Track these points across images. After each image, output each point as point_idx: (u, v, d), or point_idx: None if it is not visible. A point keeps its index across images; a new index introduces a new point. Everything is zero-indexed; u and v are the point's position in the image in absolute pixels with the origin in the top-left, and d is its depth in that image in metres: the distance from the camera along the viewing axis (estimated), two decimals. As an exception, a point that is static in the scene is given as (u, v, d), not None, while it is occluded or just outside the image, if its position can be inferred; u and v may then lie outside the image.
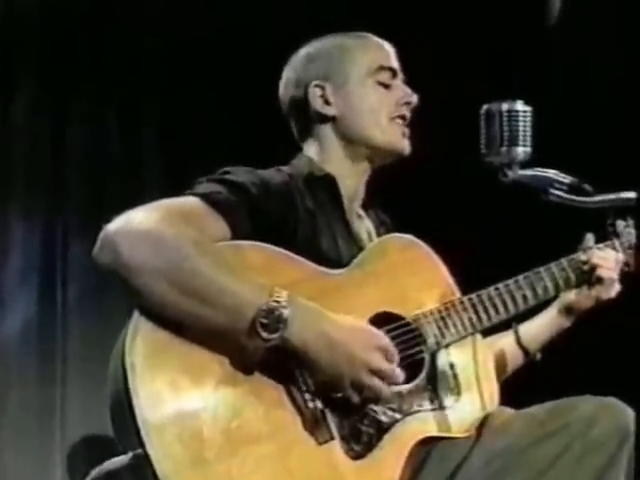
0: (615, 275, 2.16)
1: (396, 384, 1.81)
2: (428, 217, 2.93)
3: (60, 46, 3.22)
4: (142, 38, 3.33)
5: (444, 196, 3.27)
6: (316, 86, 2.09)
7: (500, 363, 2.21)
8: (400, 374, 1.80)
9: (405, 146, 2.11)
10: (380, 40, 2.16)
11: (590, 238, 2.20)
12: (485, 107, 2.02)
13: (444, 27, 3.32)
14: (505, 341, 2.23)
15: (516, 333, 2.23)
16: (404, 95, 2.11)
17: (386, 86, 2.10)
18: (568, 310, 2.21)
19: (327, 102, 2.09)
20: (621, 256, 2.18)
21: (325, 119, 2.10)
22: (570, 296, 2.19)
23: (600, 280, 2.15)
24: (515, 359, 2.24)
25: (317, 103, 2.09)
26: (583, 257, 2.15)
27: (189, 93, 3.35)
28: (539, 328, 2.23)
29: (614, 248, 2.19)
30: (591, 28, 3.23)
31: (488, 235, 3.18)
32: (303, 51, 2.16)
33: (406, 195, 2.94)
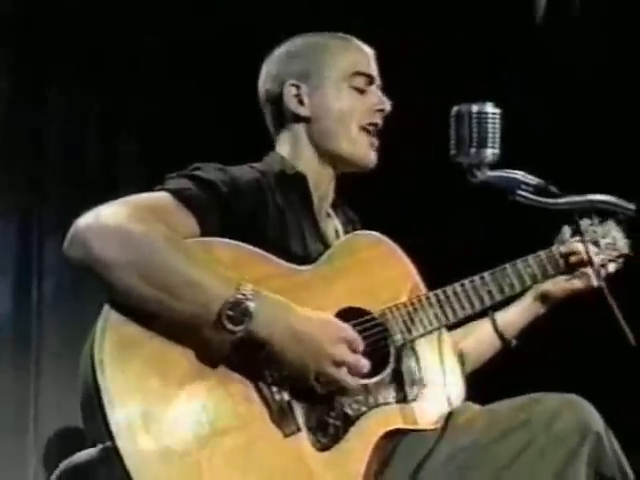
0: (590, 268, 2.20)
1: (361, 375, 1.83)
2: (405, 216, 2.97)
3: (39, 44, 3.23)
4: (126, 38, 3.34)
5: (419, 194, 3.29)
6: (292, 85, 2.10)
7: (478, 349, 2.27)
8: (365, 364, 1.82)
9: (371, 160, 2.12)
10: (360, 44, 2.16)
11: (567, 231, 2.25)
12: (455, 108, 2.03)
13: (424, 27, 3.34)
14: (482, 328, 2.27)
15: (493, 320, 2.26)
16: (378, 102, 2.11)
17: (361, 91, 2.11)
18: (543, 298, 2.26)
19: (301, 102, 2.10)
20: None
21: (298, 119, 2.11)
22: (545, 285, 2.24)
23: (575, 271, 2.21)
24: (492, 345, 2.28)
25: (291, 102, 2.10)
26: (561, 249, 2.20)
27: (169, 94, 3.37)
28: (515, 315, 2.27)
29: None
30: (572, 29, 3.27)
31: (463, 232, 3.21)
32: (284, 46, 2.17)
33: (383, 194, 2.96)
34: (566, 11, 3.26)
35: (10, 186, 3.20)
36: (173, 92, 3.37)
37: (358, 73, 2.11)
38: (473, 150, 2.00)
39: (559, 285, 2.24)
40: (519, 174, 2.03)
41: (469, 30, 3.34)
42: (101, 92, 3.31)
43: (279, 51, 2.17)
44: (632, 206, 2.00)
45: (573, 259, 2.20)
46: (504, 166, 2.03)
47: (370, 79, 2.13)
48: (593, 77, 3.21)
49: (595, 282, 2.20)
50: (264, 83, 2.17)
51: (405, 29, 3.11)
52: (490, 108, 2.02)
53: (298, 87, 2.10)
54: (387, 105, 2.12)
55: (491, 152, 2.01)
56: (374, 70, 2.15)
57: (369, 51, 2.16)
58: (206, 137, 3.32)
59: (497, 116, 2.02)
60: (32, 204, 3.24)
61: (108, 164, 3.35)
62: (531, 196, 2.00)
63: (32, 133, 3.24)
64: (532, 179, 2.02)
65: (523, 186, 2.00)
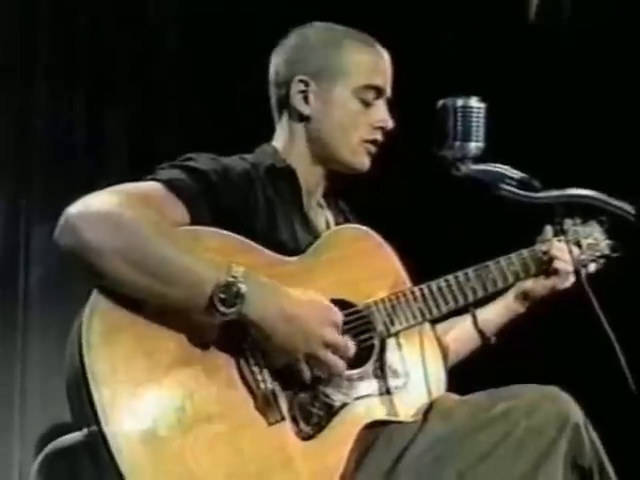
0: (570, 267, 2.22)
1: (348, 360, 1.85)
2: (396, 210, 2.99)
3: (25, 29, 3.22)
4: (109, 22, 3.34)
5: (411, 189, 3.31)
6: (300, 80, 2.09)
7: (458, 345, 2.28)
8: (352, 347, 1.85)
9: (365, 165, 2.12)
10: (381, 50, 2.13)
11: (549, 230, 2.26)
12: (440, 102, 2.05)
13: (419, 26, 3.35)
14: (463, 324, 2.29)
15: (473, 317, 2.27)
16: (381, 120, 2.10)
17: (367, 104, 2.10)
18: (524, 296, 2.27)
19: (306, 99, 2.09)
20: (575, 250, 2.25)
21: (299, 115, 2.10)
22: (526, 283, 2.25)
23: (556, 271, 2.23)
24: (472, 342, 2.30)
25: (296, 97, 2.09)
26: (542, 248, 2.22)
27: (157, 79, 3.37)
28: (496, 312, 2.29)
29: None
30: (563, 27, 3.29)
31: (451, 228, 3.23)
32: (305, 33, 2.14)
33: (376, 187, 2.97)
34: (558, 10, 3.28)
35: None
36: (165, 85, 3.37)
37: (369, 86, 2.10)
38: (457, 144, 2.03)
39: (540, 284, 2.25)
40: (503, 168, 2.05)
41: (462, 29, 3.36)
42: (89, 81, 3.31)
43: (300, 37, 2.13)
44: (613, 200, 2.02)
45: (554, 258, 2.22)
46: (488, 160, 2.06)
47: (379, 92, 2.11)
48: (584, 74, 3.22)
49: (574, 280, 2.22)
50: (277, 65, 2.13)
51: (399, 29, 3.11)
52: (475, 102, 2.04)
53: (307, 84, 2.08)
54: (389, 123, 2.11)
55: (475, 146, 2.03)
56: (387, 80, 2.13)
57: (387, 58, 2.13)
58: (196, 127, 3.33)
59: (482, 110, 2.04)
60: (19, 193, 3.24)
61: (96, 154, 3.35)
62: (515, 190, 2.02)
63: (18, 122, 3.23)
64: (516, 173, 2.04)
65: (507, 180, 2.03)
